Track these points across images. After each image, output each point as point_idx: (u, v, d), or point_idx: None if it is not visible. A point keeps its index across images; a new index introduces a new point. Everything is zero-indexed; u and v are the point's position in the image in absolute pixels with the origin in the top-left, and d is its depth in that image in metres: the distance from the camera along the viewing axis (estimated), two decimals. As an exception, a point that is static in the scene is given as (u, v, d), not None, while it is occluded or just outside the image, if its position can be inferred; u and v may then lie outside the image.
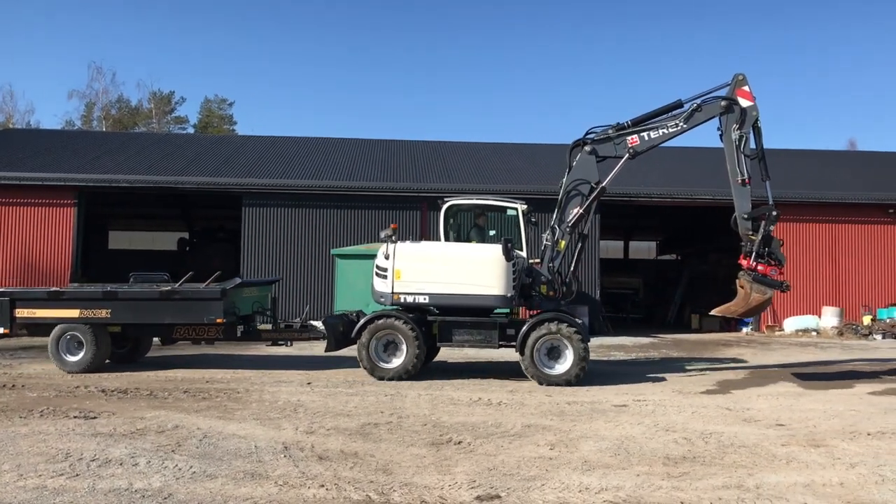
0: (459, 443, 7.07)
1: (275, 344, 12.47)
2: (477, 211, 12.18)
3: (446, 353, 13.36)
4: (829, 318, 20.63)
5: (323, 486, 5.60)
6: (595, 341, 11.22)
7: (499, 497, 5.40)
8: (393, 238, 11.20)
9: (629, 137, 11.62)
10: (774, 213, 11.11)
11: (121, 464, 6.15)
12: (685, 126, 11.50)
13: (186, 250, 28.08)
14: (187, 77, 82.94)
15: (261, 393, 9.79)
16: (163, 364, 12.54)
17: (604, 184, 11.64)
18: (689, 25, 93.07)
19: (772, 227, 11.13)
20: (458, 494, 5.45)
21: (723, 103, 11.35)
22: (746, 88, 11.42)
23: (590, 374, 11.02)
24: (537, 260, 11.92)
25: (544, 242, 11.72)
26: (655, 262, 34.71)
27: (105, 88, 51.11)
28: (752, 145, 11.41)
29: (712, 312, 11.71)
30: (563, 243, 11.55)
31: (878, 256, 21.59)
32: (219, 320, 11.36)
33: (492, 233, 12.40)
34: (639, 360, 14.61)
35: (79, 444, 6.82)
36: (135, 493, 5.38)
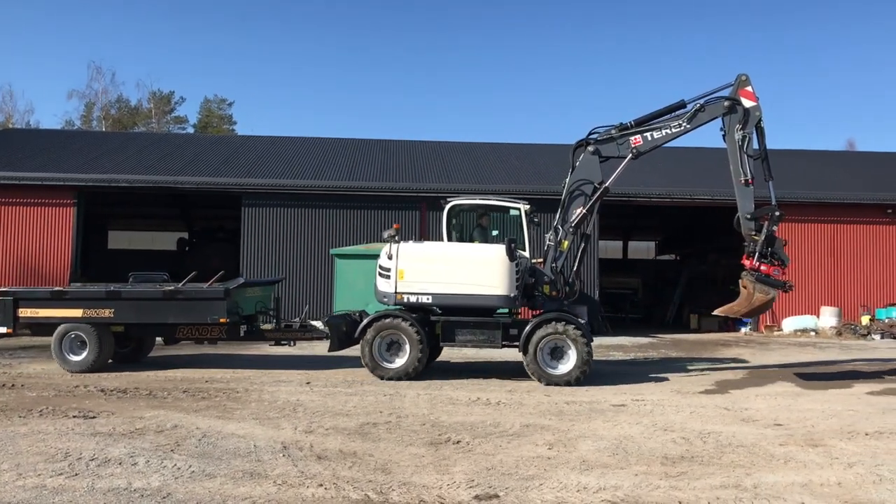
0: (458, 442, 7.08)
1: (278, 344, 12.48)
2: (480, 211, 12.20)
3: (448, 354, 13.37)
4: (827, 318, 20.65)
5: (322, 485, 5.61)
6: (594, 341, 11.22)
7: (497, 496, 5.41)
8: (396, 238, 11.21)
9: (632, 137, 11.61)
10: (777, 213, 11.12)
11: (120, 463, 6.16)
12: (688, 126, 11.51)
13: (186, 250, 28.10)
14: (187, 77, 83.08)
15: (260, 392, 9.80)
16: (162, 364, 12.55)
17: (607, 184, 11.64)
18: (689, 25, 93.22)
19: (775, 228, 11.14)
20: (457, 494, 5.46)
21: (726, 103, 11.35)
22: (750, 89, 11.43)
23: (588, 374, 11.03)
24: (540, 260, 11.94)
25: (547, 242, 11.73)
26: (654, 262, 34.72)
27: (104, 88, 51.18)
28: (755, 145, 11.42)
29: (715, 312, 11.70)
30: (566, 243, 11.56)
31: (876, 257, 21.61)
32: (222, 320, 11.36)
33: (494, 233, 12.41)
34: (637, 360, 14.63)
35: (78, 443, 6.83)
36: (134, 493, 5.38)
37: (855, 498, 5.47)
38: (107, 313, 11.51)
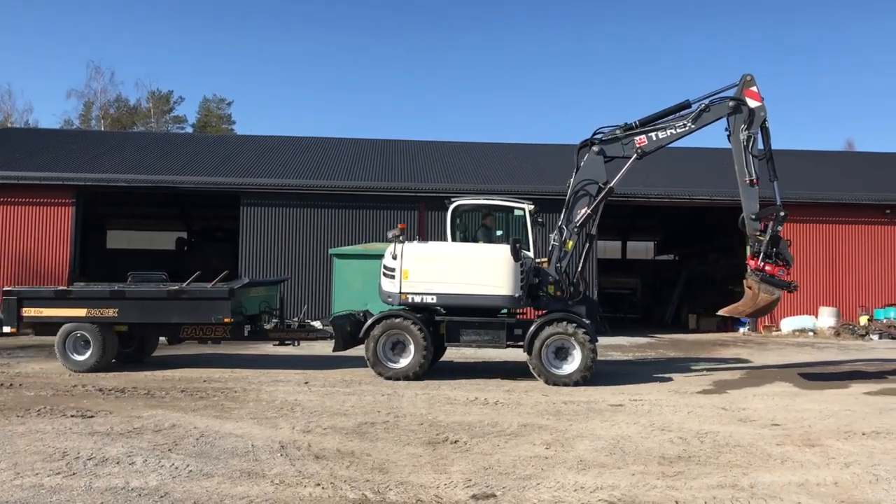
0: (456, 442, 7.09)
1: (282, 343, 12.47)
2: (484, 211, 12.18)
3: (450, 354, 13.36)
4: (825, 318, 20.66)
5: (319, 484, 5.62)
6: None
7: (494, 496, 5.41)
8: (401, 238, 11.21)
9: (637, 138, 11.61)
10: (782, 213, 11.13)
11: (117, 462, 6.16)
12: (693, 126, 11.50)
13: (185, 250, 28.13)
14: (186, 76, 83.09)
15: (258, 392, 9.80)
16: (161, 363, 12.55)
17: (612, 184, 11.63)
18: (689, 25, 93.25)
19: (780, 228, 11.14)
20: (454, 493, 5.46)
21: (731, 104, 11.34)
22: (755, 89, 11.40)
23: (590, 377, 11.00)
24: (544, 260, 11.94)
25: (552, 243, 11.73)
26: (653, 262, 34.75)
27: (103, 88, 51.14)
28: (760, 146, 11.40)
29: (720, 312, 11.71)
30: (570, 243, 11.56)
31: (875, 257, 21.63)
32: (226, 320, 11.36)
33: (499, 233, 12.40)
34: (636, 360, 14.64)
35: (76, 442, 6.83)
36: (131, 492, 5.39)
37: (851, 497, 5.48)
38: (111, 313, 11.51)
